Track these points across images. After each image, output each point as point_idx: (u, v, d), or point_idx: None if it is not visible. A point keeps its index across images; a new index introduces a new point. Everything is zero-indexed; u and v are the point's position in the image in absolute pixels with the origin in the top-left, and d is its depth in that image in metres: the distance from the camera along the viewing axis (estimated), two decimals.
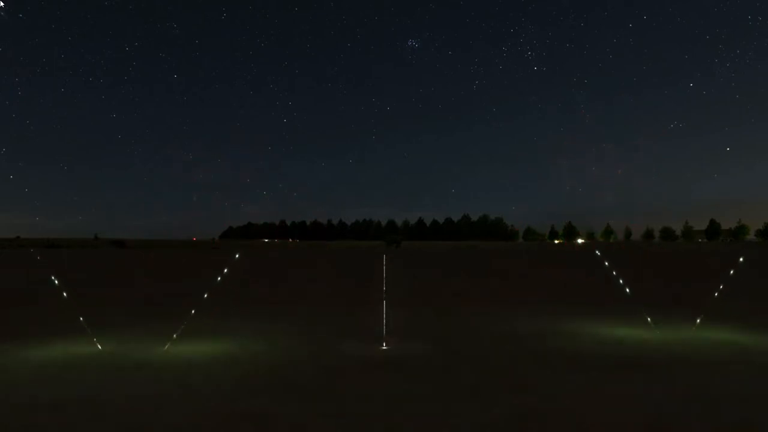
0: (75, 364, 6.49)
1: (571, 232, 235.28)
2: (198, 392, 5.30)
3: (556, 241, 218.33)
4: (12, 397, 5.12)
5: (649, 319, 9.72)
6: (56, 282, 13.97)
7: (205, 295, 11.89)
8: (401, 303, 12.46)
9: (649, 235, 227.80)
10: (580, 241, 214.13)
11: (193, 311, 10.30)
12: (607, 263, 13.73)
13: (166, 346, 7.54)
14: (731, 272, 22.87)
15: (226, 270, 23.78)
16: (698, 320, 9.63)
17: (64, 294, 14.16)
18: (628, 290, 15.16)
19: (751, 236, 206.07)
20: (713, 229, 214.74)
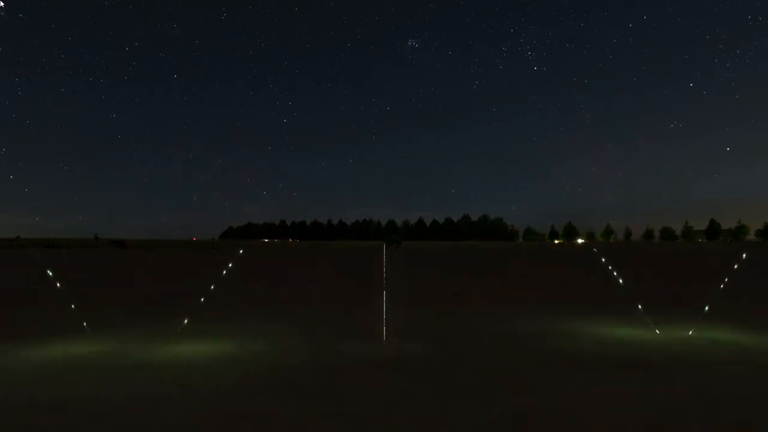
0: (75, 364, 6.50)
1: (571, 232, 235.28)
2: (198, 392, 5.30)
3: (556, 241, 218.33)
4: (12, 397, 5.12)
5: (649, 319, 9.72)
6: (51, 274, 13.97)
7: (205, 296, 11.89)
8: (401, 303, 12.46)
9: (649, 235, 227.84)
10: (580, 241, 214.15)
11: (192, 311, 10.30)
12: (605, 260, 13.68)
13: (166, 346, 7.54)
14: (735, 266, 22.89)
15: (225, 272, 23.78)
16: (698, 320, 9.63)
17: (64, 293, 14.16)
18: (628, 290, 15.16)
19: (751, 236, 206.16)
20: (713, 229, 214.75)
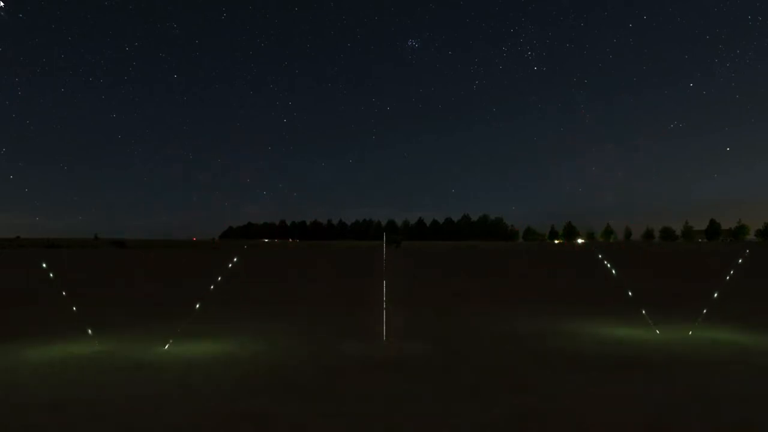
0: (75, 364, 6.49)
1: (571, 232, 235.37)
2: (198, 392, 5.30)
3: (556, 241, 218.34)
4: (12, 397, 5.12)
5: (649, 319, 9.72)
6: (51, 275, 13.97)
7: (205, 296, 11.89)
8: (401, 303, 12.47)
9: (649, 235, 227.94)
10: (580, 241, 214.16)
11: (192, 311, 10.30)
12: (604, 260, 13.70)
13: (166, 346, 7.54)
14: (739, 261, 22.89)
15: (225, 272, 23.77)
16: (698, 320, 9.63)
17: (64, 293, 14.16)
18: (628, 290, 15.16)
19: (751, 236, 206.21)
20: (713, 229, 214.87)
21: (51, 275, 15.81)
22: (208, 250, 78.65)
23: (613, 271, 19.34)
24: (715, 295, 13.26)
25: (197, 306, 10.16)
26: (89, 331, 8.48)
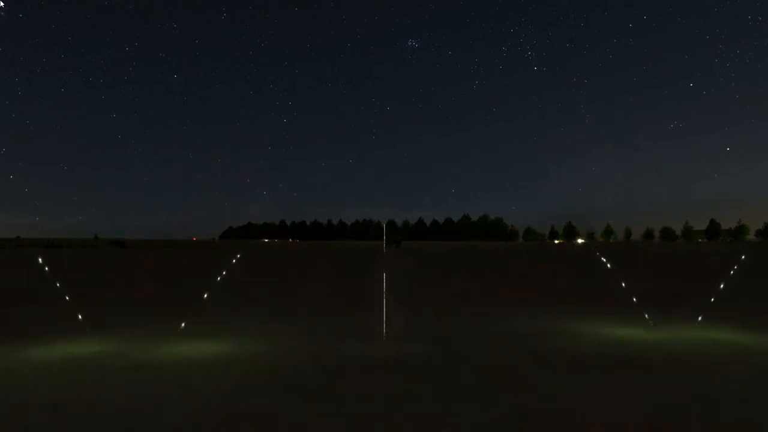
0: (75, 364, 6.49)
1: (571, 232, 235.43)
2: (198, 392, 5.30)
3: (556, 241, 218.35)
4: (12, 397, 5.12)
5: (649, 319, 9.72)
6: (47, 269, 13.96)
7: (205, 295, 11.89)
8: (401, 303, 12.46)
9: (649, 235, 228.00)
10: (580, 241, 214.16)
11: (193, 311, 10.30)
12: (604, 260, 13.70)
13: (166, 346, 7.54)
14: (741, 258, 22.89)
15: (225, 271, 23.77)
16: (698, 320, 9.63)
17: (64, 293, 14.16)
18: (628, 290, 15.16)
19: (751, 236, 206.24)
20: (713, 229, 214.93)
21: (47, 269, 15.81)
22: (208, 250, 78.65)
23: (613, 271, 19.35)
24: (715, 295, 13.26)
25: (197, 306, 10.16)
26: (89, 331, 8.48)
